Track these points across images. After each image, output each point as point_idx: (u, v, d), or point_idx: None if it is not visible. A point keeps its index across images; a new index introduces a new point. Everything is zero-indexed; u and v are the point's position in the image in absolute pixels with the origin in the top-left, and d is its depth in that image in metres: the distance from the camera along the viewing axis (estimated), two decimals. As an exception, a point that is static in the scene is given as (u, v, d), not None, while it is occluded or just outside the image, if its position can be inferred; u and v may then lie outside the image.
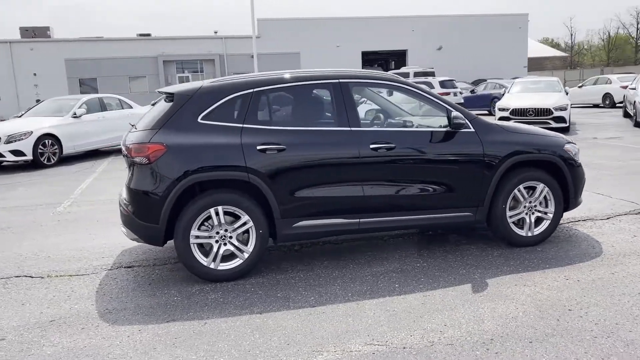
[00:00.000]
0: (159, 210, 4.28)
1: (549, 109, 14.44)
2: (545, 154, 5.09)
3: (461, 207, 4.93)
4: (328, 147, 4.60)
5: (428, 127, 5.05)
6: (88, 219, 6.86)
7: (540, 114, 14.48)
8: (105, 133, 13.35)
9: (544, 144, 5.13)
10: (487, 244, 5.27)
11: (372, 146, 4.64)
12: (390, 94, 5.85)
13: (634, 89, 16.60)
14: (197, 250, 4.40)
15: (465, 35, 38.45)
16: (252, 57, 36.59)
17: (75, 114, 12.63)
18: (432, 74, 28.80)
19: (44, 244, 5.81)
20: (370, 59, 41.99)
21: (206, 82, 4.66)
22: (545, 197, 5.13)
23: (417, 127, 5.07)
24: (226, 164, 4.37)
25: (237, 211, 4.41)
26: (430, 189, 4.85)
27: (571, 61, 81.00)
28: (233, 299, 4.12)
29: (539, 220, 5.17)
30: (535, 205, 5.13)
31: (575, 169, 5.23)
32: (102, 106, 13.64)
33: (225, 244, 4.45)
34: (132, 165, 4.42)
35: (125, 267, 4.96)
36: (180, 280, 4.55)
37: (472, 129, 4.93)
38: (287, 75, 4.77)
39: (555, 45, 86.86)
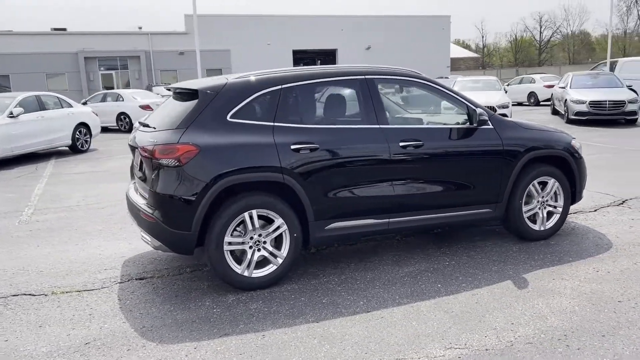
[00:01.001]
0: (192, 216, 3.96)
1: (494, 107, 15.03)
2: (558, 150, 5.23)
3: (482, 204, 4.96)
4: (359, 146, 4.46)
5: (450, 124, 5.02)
6: (64, 228, 6.28)
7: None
8: (45, 134, 12.37)
9: (555, 140, 5.26)
10: (499, 239, 5.34)
11: (401, 144, 4.55)
12: (400, 91, 5.80)
13: (564, 87, 17.63)
14: (230, 258, 4.12)
15: (392, 35, 39.34)
16: (181, 54, 35.61)
17: (11, 113, 11.59)
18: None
19: (27, 258, 5.24)
20: (300, 57, 41.96)
21: (231, 78, 4.37)
22: (555, 192, 5.27)
23: (441, 124, 5.03)
24: (261, 165, 4.13)
25: (271, 214, 4.17)
26: (454, 186, 4.84)
27: (482, 62, 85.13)
28: (278, 307, 3.89)
29: (549, 215, 5.31)
30: (547, 200, 5.26)
31: (581, 164, 5.42)
32: (40, 105, 12.62)
33: (259, 250, 4.21)
34: (156, 168, 4.05)
35: (137, 279, 4.56)
36: (209, 290, 4.24)
37: (491, 126, 4.96)
38: (314, 71, 4.58)
39: (467, 47, 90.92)
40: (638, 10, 44.96)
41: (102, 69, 35.83)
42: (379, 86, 4.69)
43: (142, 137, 4.35)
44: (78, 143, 13.46)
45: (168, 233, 4.01)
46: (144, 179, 4.32)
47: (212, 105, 4.15)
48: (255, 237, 4.17)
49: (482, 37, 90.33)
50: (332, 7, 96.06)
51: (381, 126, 4.56)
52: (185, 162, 3.94)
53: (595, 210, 6.29)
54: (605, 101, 15.65)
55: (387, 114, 4.69)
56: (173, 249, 4.13)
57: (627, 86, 17.01)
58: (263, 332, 3.52)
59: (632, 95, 16.15)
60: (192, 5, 21.72)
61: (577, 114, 15.66)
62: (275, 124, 4.26)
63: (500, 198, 5.00)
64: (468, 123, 4.92)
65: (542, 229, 5.25)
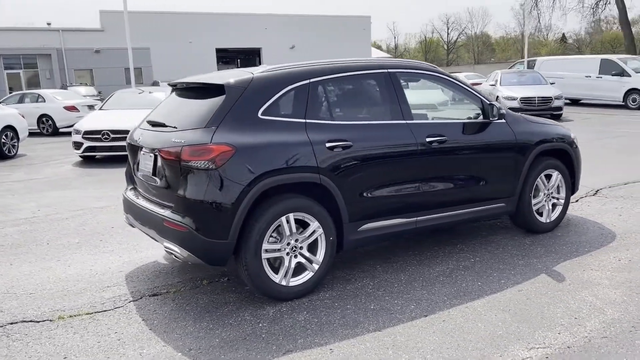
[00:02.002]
0: (229, 223, 3.60)
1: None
2: (561, 143, 5.32)
3: (498, 198, 4.95)
4: (389, 142, 4.28)
5: (460, 118, 4.96)
6: (33, 243, 5.59)
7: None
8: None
9: (558, 133, 5.35)
10: (506, 233, 5.36)
11: (427, 139, 4.42)
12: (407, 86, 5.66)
13: (494, 85, 18.39)
14: (268, 267, 3.80)
15: (316, 34, 39.44)
16: (97, 52, 33.66)
17: None
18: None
19: (6, 278, 4.59)
20: (223, 56, 41.06)
21: (257, 72, 4.02)
22: (558, 184, 5.36)
23: (460, 118, 4.94)
24: (299, 165, 3.83)
25: (307, 218, 3.90)
26: (474, 181, 4.79)
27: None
28: (328, 317, 3.62)
29: (553, 207, 5.39)
30: (552, 193, 5.34)
31: (579, 155, 5.56)
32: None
33: (295, 256, 3.91)
34: (185, 171, 3.64)
35: (150, 296, 4.11)
36: (241, 303, 3.89)
37: (504, 120, 4.96)
38: (338, 65, 4.34)
39: (379, 48, 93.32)
40: (538, 14, 47.98)
41: (8, 67, 33.08)
42: (401, 80, 4.53)
43: (159, 138, 3.91)
44: (5, 148, 12.25)
45: (201, 242, 3.62)
46: (163, 184, 3.89)
47: (241, 102, 3.80)
48: (292, 242, 3.88)
49: (394, 37, 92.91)
50: (256, 5, 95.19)
51: (407, 121, 4.40)
52: (221, 163, 3.57)
53: (576, 201, 6.49)
54: (535, 97, 16.51)
55: (410, 108, 4.54)
56: (206, 260, 3.74)
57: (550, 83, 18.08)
58: (328, 345, 3.25)
59: (558, 91, 17.14)
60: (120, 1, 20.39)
61: (509, 109, 16.45)
62: (307, 120, 3.99)
63: (513, 192, 5.01)
64: (481, 117, 4.87)
65: (548, 221, 5.33)
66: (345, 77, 4.31)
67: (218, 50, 37.46)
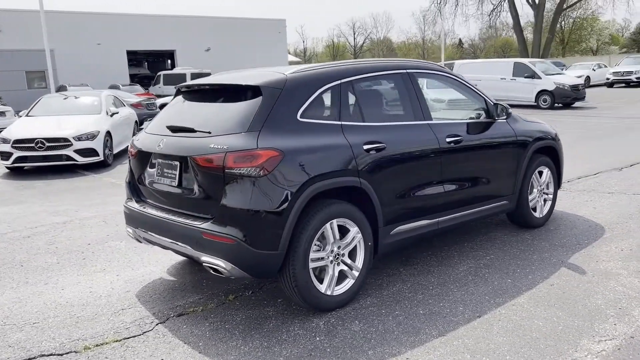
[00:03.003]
0: (280, 233, 3.39)
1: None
2: (551, 140, 5.55)
3: (503, 196, 5.06)
4: (417, 143, 4.24)
5: (467, 117, 5.02)
6: (3, 266, 4.98)
7: None
8: None
9: (547, 131, 5.58)
10: (503, 229, 5.50)
11: (447, 139, 4.43)
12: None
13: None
14: (314, 277, 3.62)
15: (231, 37, 38.71)
16: (-7, 54, 30.87)
17: None
18: (208, 75, 28.43)
19: (-7, 308, 4.04)
20: (135, 58, 39.26)
21: (288, 73, 3.82)
22: (548, 180, 5.59)
23: (470, 118, 4.98)
24: (341, 169, 3.69)
25: (348, 223, 3.76)
26: (485, 179, 4.87)
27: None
28: (383, 325, 3.51)
29: (544, 202, 5.61)
30: (543, 189, 5.55)
31: (562, 153, 5.82)
32: None
33: (338, 264, 3.76)
34: (230, 178, 3.37)
35: (177, 316, 3.78)
36: (282, 316, 3.68)
37: (504, 119, 5.09)
38: (364, 65, 4.24)
39: (287, 51, 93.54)
40: (442, 20, 50.29)
41: None
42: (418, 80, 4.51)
43: (189, 145, 3.60)
44: None
45: (251, 255, 3.37)
46: (195, 194, 3.59)
47: (280, 104, 3.59)
48: (335, 249, 3.72)
49: (303, 41, 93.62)
50: (169, 6, 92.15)
51: (428, 122, 4.39)
52: (270, 169, 3.35)
53: (547, 196, 6.80)
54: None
55: (429, 109, 4.52)
56: (254, 273, 3.50)
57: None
58: (403, 355, 3.13)
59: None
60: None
61: None
62: (343, 122, 3.85)
63: (514, 189, 5.15)
64: (484, 116, 4.96)
65: (540, 216, 5.54)
66: (371, 77, 4.21)
67: (129, 53, 35.74)
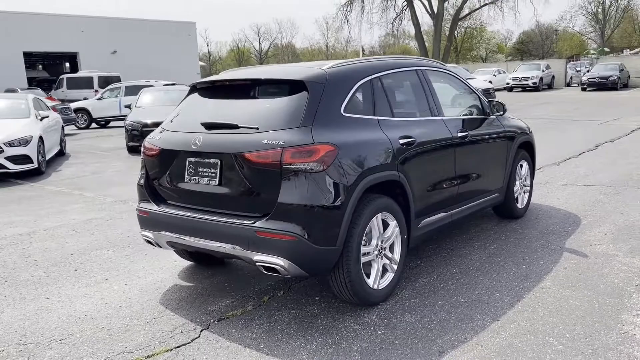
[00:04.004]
0: (338, 228, 3.36)
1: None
2: (529, 135, 5.93)
3: (497, 189, 5.33)
4: (437, 137, 4.37)
5: (464, 114, 5.22)
6: (-17, 282, 4.49)
7: None
8: None
9: (525, 127, 5.94)
10: (489, 220, 5.78)
11: (459, 134, 4.61)
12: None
13: None
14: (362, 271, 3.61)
15: (139, 39, 37.14)
16: None
17: None
18: (117, 79, 27.19)
19: None
20: (34, 60, 36.49)
21: (325, 67, 3.78)
22: (526, 173, 5.96)
23: (471, 114, 5.15)
24: (385, 163, 3.72)
25: (388, 217, 3.80)
26: (485, 173, 5.09)
27: (210, 70, 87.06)
28: (435, 315, 3.58)
29: (524, 194, 5.97)
30: (523, 181, 5.91)
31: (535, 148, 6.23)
32: None
33: (381, 258, 3.78)
34: (287, 174, 3.28)
35: (218, 321, 3.62)
36: (331, 314, 3.65)
37: (494, 115, 5.36)
38: (387, 61, 4.30)
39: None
40: (349, 27, 51.69)
41: None
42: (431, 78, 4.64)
43: (234, 141, 3.45)
44: None
45: (312, 252, 3.30)
46: (242, 191, 3.46)
47: (325, 99, 3.55)
48: (379, 243, 3.74)
49: (207, 45, 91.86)
50: (71, 5, 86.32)
51: (442, 117, 4.53)
52: (329, 164, 3.31)
53: (509, 190, 7.23)
54: None
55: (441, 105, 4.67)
56: (312, 270, 3.43)
57: None
58: (471, 341, 3.22)
59: None
60: None
61: None
62: (378, 117, 3.89)
63: (504, 182, 5.44)
64: (476, 112, 5.18)
65: (522, 207, 5.89)
66: (394, 73, 4.28)
67: (26, 54, 33.19)
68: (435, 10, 46.36)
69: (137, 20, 38.90)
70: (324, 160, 3.29)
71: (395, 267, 3.88)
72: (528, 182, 6.01)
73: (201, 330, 3.49)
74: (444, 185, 4.44)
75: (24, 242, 5.61)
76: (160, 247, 4.01)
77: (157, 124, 12.08)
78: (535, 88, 31.49)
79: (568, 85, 37.00)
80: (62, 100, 22.75)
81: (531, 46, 76.72)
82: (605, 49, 60.93)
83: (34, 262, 4.94)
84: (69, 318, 3.74)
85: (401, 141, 3.89)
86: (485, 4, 48.19)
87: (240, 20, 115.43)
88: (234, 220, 3.45)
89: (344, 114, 3.63)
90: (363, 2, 47.92)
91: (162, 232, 3.86)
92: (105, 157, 12.27)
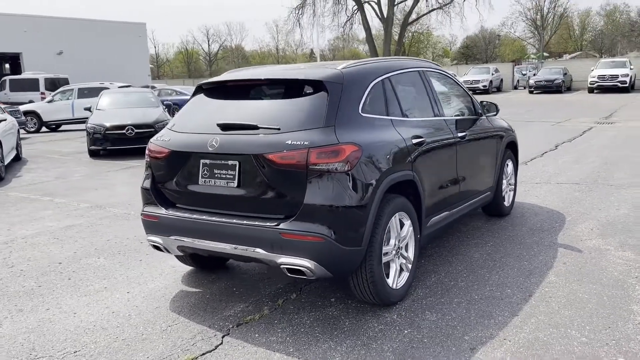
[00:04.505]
0: (363, 228, 3.35)
1: None
2: (513, 135, 6.10)
3: (488, 187, 5.45)
4: (442, 137, 4.43)
5: (461, 115, 5.31)
6: (-30, 294, 4.22)
7: None
8: None
9: (509, 127, 6.11)
10: (478, 219, 5.90)
11: (459, 134, 4.69)
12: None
13: None
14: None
15: (87, 40, 35.84)
16: None
17: None
18: (66, 81, 26.24)
19: (3, 341, 3.42)
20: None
21: (340, 67, 3.76)
22: (511, 172, 6.13)
23: (465, 115, 5.24)
24: (402, 162, 3.74)
25: (404, 217, 3.82)
26: (480, 171, 5.21)
27: (157, 72, 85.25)
28: (455, 312, 3.62)
29: (509, 192, 6.14)
30: (509, 179, 6.08)
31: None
32: None
33: (399, 258, 3.79)
34: (314, 174, 3.24)
35: (237, 326, 3.53)
36: (351, 315, 3.63)
37: (494, 114, 5.49)
38: (394, 62, 4.32)
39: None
40: (301, 29, 51.77)
41: None
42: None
43: (255, 142, 3.38)
44: None
45: (339, 252, 3.27)
46: (264, 193, 3.40)
47: (344, 99, 3.54)
48: (397, 243, 3.75)
49: (154, 47, 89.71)
50: (18, 4, 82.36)
51: (443, 118, 4.60)
52: (354, 164, 3.29)
53: (487, 189, 7.42)
54: None
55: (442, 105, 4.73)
56: (337, 272, 3.39)
57: None
58: (498, 336, 3.27)
59: None
60: None
61: None
62: (391, 117, 3.90)
63: (494, 181, 5.58)
64: (469, 113, 5.29)
65: (508, 205, 6.05)
66: (401, 74, 4.30)
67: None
68: (385, 15, 47.07)
69: (85, 20, 37.59)
70: (350, 160, 3.27)
71: (410, 266, 3.90)
72: (512, 180, 6.18)
73: (222, 337, 3.39)
74: (448, 185, 4.50)
75: (3, 251, 5.31)
76: (169, 252, 3.88)
77: (121, 127, 11.77)
78: (485, 91, 32.47)
79: (515, 88, 38.38)
80: (4, 103, 21.71)
81: (475, 50, 79.07)
82: (545, 54, 63.58)
83: (20, 272, 4.68)
84: (76, 329, 3.56)
85: (414, 141, 3.92)
86: (433, 9, 49.25)
87: (188, 22, 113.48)
88: (256, 223, 3.38)
89: (362, 114, 3.62)
90: (315, 6, 48.07)
91: (173, 237, 3.73)
92: (65, 161, 11.79)
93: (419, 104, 4.47)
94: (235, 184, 3.47)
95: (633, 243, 4.88)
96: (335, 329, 3.43)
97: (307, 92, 3.58)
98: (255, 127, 3.46)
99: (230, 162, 3.49)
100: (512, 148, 6.12)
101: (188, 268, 4.60)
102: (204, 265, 4.51)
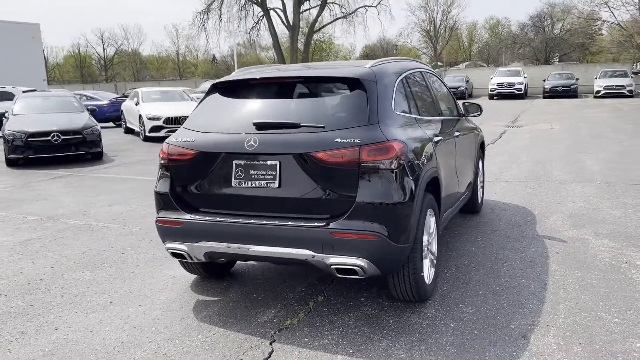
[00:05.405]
0: (412, 225, 3.37)
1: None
2: (481, 134, 6.40)
3: (469, 185, 5.67)
4: (448, 136, 4.57)
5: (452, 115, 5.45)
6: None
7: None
8: None
9: (478, 127, 6.40)
10: (455, 217, 6.12)
11: (456, 134, 4.86)
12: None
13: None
14: (421, 267, 3.66)
15: (-28, 41, 32.87)
16: None
17: None
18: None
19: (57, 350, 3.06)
20: None
21: (368, 65, 3.76)
22: (482, 171, 6.44)
23: (452, 114, 5.38)
24: (430, 160, 3.80)
25: (430, 213, 3.89)
26: (467, 169, 5.41)
27: (48, 76, 79.66)
28: (489, 305, 3.74)
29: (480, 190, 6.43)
30: (481, 179, 6.38)
31: (484, 148, 6.74)
32: None
33: (429, 253, 3.86)
34: (365, 172, 3.20)
35: (279, 331, 3.41)
36: (386, 313, 3.64)
37: (478, 115, 5.73)
38: (404, 62, 4.38)
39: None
40: (206, 34, 50.84)
41: None
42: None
43: (300, 140, 3.29)
44: None
45: (391, 250, 3.26)
46: (301, 193, 3.32)
47: (380, 97, 3.55)
48: (428, 239, 3.81)
49: (44, 50, 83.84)
50: None
51: (447, 117, 4.76)
52: (402, 161, 3.31)
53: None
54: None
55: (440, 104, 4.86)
56: (386, 269, 3.39)
57: None
58: (539, 325, 3.42)
59: None
60: None
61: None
62: (414, 115, 3.97)
63: (473, 178, 5.82)
64: (455, 113, 5.48)
65: (480, 201, 6.34)
66: (414, 73, 4.39)
67: None
68: (291, 22, 47.50)
69: (-31, 19, 34.35)
70: (399, 157, 3.28)
71: (435, 262, 3.97)
72: (481, 178, 6.47)
73: (270, 343, 3.26)
74: (452, 182, 4.64)
75: (-35, 270, 4.72)
76: (193, 260, 3.66)
77: (46, 134, 10.87)
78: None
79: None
80: None
81: (375, 59, 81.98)
82: (439, 63, 67.27)
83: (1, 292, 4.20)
84: (104, 347, 3.25)
85: (435, 139, 4.01)
86: (337, 18, 50.43)
87: (80, 24, 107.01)
88: (302, 223, 3.29)
89: (395, 112, 3.65)
90: (221, 10, 47.46)
91: (201, 243, 3.52)
92: (-20, 172, 10.69)
93: (427, 103, 4.57)
94: (277, 185, 3.35)
95: (605, 232, 5.29)
96: (383, 328, 3.42)
97: (344, 90, 3.55)
98: (297, 126, 3.37)
99: (269, 162, 3.36)
100: (482, 147, 6.42)
101: (192, 277, 4.37)
102: (212, 273, 4.30)
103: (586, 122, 16.74)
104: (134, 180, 9.14)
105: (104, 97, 21.74)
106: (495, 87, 29.80)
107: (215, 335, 3.38)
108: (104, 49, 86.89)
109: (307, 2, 49.43)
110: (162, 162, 3.75)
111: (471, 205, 6.07)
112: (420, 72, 4.64)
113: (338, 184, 3.26)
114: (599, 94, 28.12)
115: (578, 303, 3.69)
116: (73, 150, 11.18)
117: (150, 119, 14.86)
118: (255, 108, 3.70)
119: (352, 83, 3.53)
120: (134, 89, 29.18)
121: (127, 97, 21.21)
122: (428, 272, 3.77)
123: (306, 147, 3.27)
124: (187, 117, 3.95)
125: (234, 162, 3.45)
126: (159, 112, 14.97)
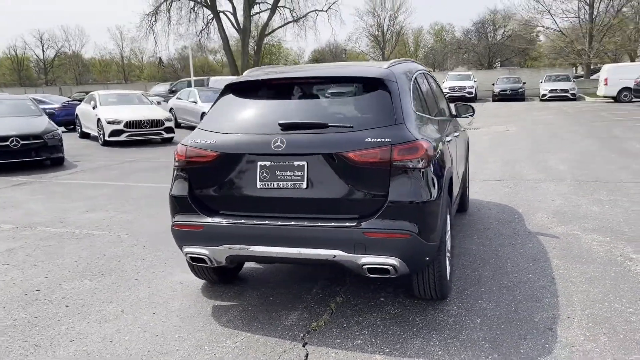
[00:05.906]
0: (440, 223, 3.41)
1: (161, 120, 14.84)
2: (467, 134, 6.56)
3: (462, 185, 5.80)
4: (452, 136, 4.65)
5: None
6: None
7: (154, 125, 14.64)
8: None
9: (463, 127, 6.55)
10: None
11: (455, 133, 4.96)
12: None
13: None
14: (442, 265, 3.70)
15: None
16: None
17: None
18: None
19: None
20: None
21: (386, 66, 3.77)
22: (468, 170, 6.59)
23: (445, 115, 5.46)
24: (448, 158, 3.86)
25: (448, 210, 3.95)
26: (461, 169, 5.51)
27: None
28: (506, 299, 3.82)
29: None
30: (467, 177, 6.52)
31: (467, 147, 6.90)
32: None
33: (447, 252, 3.90)
34: (396, 171, 3.21)
35: (307, 333, 3.38)
36: (411, 310, 3.66)
37: (470, 116, 5.86)
38: (410, 62, 4.42)
39: None
40: (155, 37, 49.84)
41: None
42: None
43: (331, 140, 3.27)
44: None
45: (423, 249, 3.28)
46: (330, 194, 3.30)
47: (402, 96, 3.57)
48: (446, 237, 3.86)
49: (-35, 54, 79.80)
50: None
51: (444, 118, 4.84)
52: (430, 159, 3.34)
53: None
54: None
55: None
56: (416, 268, 3.41)
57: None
58: (562, 317, 3.52)
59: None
60: None
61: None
62: (427, 115, 4.01)
63: (464, 176, 5.95)
64: (448, 114, 5.59)
65: (468, 200, 6.49)
66: (419, 74, 4.42)
67: None
68: (242, 25, 47.14)
69: None
70: (427, 156, 3.31)
71: (451, 259, 4.03)
72: (467, 177, 6.62)
73: (303, 345, 3.22)
74: (456, 181, 4.72)
75: (-51, 283, 4.42)
76: (214, 264, 3.56)
77: (3, 139, 10.33)
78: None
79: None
80: None
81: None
82: (388, 68, 68.31)
83: (23, 296, 3.97)
84: (130, 356, 3.13)
85: (447, 138, 4.08)
86: (288, 22, 50.43)
87: (16, 25, 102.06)
88: (332, 224, 3.26)
89: (415, 112, 3.68)
90: (169, 13, 46.57)
91: (225, 246, 3.44)
92: None
93: (432, 104, 4.63)
94: (305, 185, 3.31)
95: (592, 227, 5.52)
96: (412, 326, 3.44)
97: (367, 90, 3.55)
98: (325, 126, 3.34)
99: (296, 163, 3.32)
100: (468, 147, 6.57)
101: (200, 283, 4.26)
102: (222, 277, 4.20)
103: (538, 124, 17.43)
104: (105, 186, 8.82)
105: (54, 100, 20.88)
106: (447, 90, 30.55)
107: (245, 340, 3.30)
108: (43, 51, 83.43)
109: (258, 5, 49.15)
110: (178, 164, 3.64)
111: (461, 203, 6.19)
112: (423, 73, 4.71)
113: (368, 184, 3.26)
114: (545, 97, 29.37)
115: (589, 295, 3.82)
116: (33, 155, 10.68)
117: (109, 122, 14.38)
118: (277, 108, 3.65)
119: (375, 83, 3.54)
120: (81, 92, 28.12)
121: (77, 100, 20.51)
122: (448, 269, 3.82)
123: (336, 147, 3.25)
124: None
125: (259, 163, 3.39)
126: (118, 116, 14.52)
